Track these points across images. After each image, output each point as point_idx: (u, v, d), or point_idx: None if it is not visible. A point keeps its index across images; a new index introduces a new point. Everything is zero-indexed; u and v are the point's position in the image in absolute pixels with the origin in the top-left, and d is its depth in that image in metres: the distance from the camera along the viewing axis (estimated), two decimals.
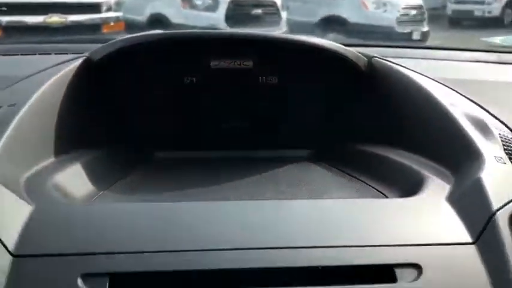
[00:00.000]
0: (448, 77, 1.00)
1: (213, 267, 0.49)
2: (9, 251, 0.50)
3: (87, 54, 0.82)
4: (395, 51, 1.29)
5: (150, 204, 0.61)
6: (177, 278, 0.49)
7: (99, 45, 0.84)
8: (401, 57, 1.19)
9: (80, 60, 0.80)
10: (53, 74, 0.77)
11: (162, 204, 0.61)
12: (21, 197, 0.56)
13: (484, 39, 1.50)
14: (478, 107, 0.81)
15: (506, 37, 1.48)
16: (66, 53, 1.11)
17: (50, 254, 0.50)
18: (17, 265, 0.49)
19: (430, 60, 1.23)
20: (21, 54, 1.14)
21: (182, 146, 0.87)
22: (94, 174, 0.72)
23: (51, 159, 0.71)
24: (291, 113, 0.90)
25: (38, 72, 0.83)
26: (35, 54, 1.14)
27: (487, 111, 0.81)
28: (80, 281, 0.48)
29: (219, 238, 0.52)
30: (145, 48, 0.82)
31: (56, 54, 1.11)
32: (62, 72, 0.77)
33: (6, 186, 0.56)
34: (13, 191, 0.56)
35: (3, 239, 0.50)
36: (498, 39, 1.47)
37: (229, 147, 0.86)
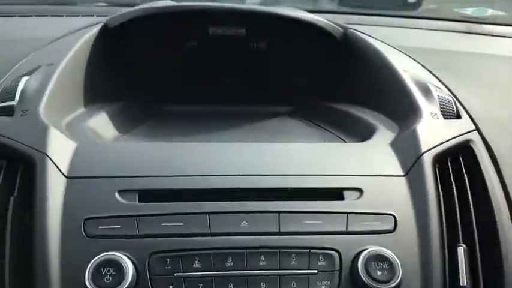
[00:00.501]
0: (416, 45, 1.18)
1: (213, 186, 0.68)
2: (63, 173, 0.69)
3: (104, 20, 0.98)
4: (373, 20, 1.45)
5: (163, 143, 0.80)
6: (186, 192, 0.68)
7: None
8: (377, 25, 1.36)
9: (99, 26, 0.97)
10: (78, 37, 0.94)
11: (173, 144, 0.80)
12: (66, 136, 0.74)
13: (457, 9, 1.66)
14: (428, 72, 1.00)
15: (477, 8, 1.61)
16: (78, 15, 1.27)
17: (93, 176, 0.69)
18: (69, 184, 0.68)
19: (403, 29, 1.40)
20: (36, 16, 1.29)
21: (186, 100, 1.04)
22: (117, 122, 0.90)
23: (82, 109, 0.89)
24: (276, 73, 1.07)
25: (64, 36, 1.00)
26: (47, 15, 1.29)
27: (435, 76, 0.99)
28: (117, 195, 0.67)
29: (216, 167, 0.71)
30: (157, 17, 0.98)
31: (67, 16, 1.27)
32: (85, 36, 0.94)
33: (54, 127, 0.74)
34: (60, 131, 0.74)
35: (58, 165, 0.69)
36: (469, 10, 1.62)
37: (225, 102, 1.03)
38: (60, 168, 0.69)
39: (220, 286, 0.61)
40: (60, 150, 0.71)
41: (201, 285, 0.61)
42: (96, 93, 0.93)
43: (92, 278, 0.59)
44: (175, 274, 0.61)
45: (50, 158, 0.69)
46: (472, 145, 0.79)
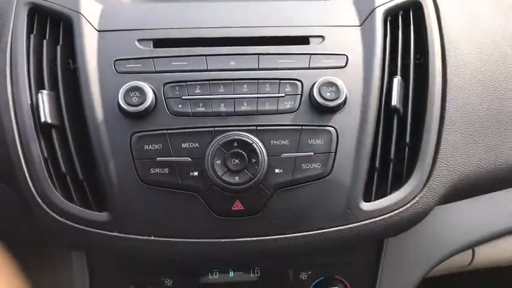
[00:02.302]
0: None
1: (209, 35, 0.90)
2: (95, 28, 0.90)
3: None
4: None
5: (172, 3, 1.00)
6: (189, 40, 0.90)
7: None
8: None
9: None
10: None
11: (179, 4, 0.99)
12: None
13: None
14: None
15: None
16: None
17: (118, 30, 0.90)
18: (100, 36, 0.89)
19: None
20: None
21: None
22: None
23: None
24: None
25: None
26: None
27: None
28: (137, 43, 0.89)
29: (212, 21, 0.92)
30: None
31: None
32: None
33: None
34: None
35: (90, 21, 0.90)
36: None
37: None
38: (92, 24, 0.90)
39: (214, 105, 0.85)
40: (91, 10, 0.92)
41: (201, 104, 0.85)
42: None
43: (124, 98, 0.83)
44: (183, 97, 0.85)
45: (84, 16, 0.90)
46: (422, 3, 0.97)
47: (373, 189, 0.88)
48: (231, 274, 1.01)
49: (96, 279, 0.99)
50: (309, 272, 1.01)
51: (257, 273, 1.01)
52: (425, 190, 0.89)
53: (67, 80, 0.88)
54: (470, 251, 1.14)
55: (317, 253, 0.96)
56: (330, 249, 0.95)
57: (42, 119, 0.84)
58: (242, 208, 0.83)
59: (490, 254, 1.14)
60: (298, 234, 0.85)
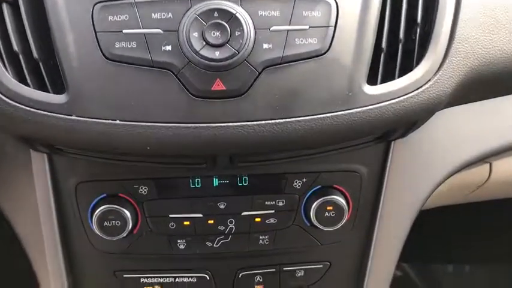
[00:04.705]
0: None
1: None
2: None
3: None
4: None
5: None
6: None
7: None
8: None
9: None
10: None
11: None
12: None
13: None
14: None
15: None
16: None
17: None
18: None
19: None
20: None
21: None
22: None
23: None
24: None
25: None
26: None
27: None
28: None
29: None
30: None
31: None
32: None
33: None
34: None
35: None
36: None
37: None
38: None
39: None
40: None
41: None
42: None
43: None
44: None
45: None
46: None
47: (379, 72, 0.75)
48: (215, 182, 0.89)
49: (60, 186, 0.88)
50: (304, 180, 0.89)
51: (245, 182, 0.89)
52: (439, 74, 0.76)
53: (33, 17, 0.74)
54: (487, 167, 1.02)
55: (314, 152, 0.84)
56: (328, 148, 0.83)
57: None
58: (223, 88, 0.70)
59: (509, 169, 1.03)
60: (289, 119, 0.72)
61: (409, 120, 0.80)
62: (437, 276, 2.01)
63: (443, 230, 1.90)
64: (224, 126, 0.71)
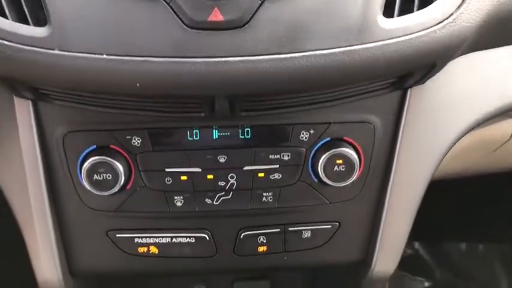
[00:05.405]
0: None
1: None
2: None
3: None
4: None
5: None
6: None
7: None
8: None
9: None
10: None
11: None
12: None
13: None
14: None
15: None
16: None
17: None
18: None
19: None
20: None
21: None
22: None
23: None
24: None
25: None
26: None
27: None
28: None
29: None
30: None
31: None
32: None
33: None
34: None
35: None
36: None
37: None
38: None
39: None
40: None
41: None
42: None
43: None
44: None
45: None
46: None
47: (397, 3, 0.67)
48: (215, 134, 0.81)
49: (46, 137, 0.81)
50: (312, 131, 0.81)
51: (247, 134, 0.82)
52: (463, 7, 0.68)
53: None
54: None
55: (323, 99, 0.76)
56: (339, 94, 0.75)
57: None
58: (221, 18, 0.62)
59: None
60: (296, 54, 0.64)
61: (428, 61, 0.72)
62: (450, 255, 1.94)
63: (456, 207, 1.83)
64: (222, 61, 0.63)
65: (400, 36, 0.66)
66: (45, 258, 0.89)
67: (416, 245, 1.96)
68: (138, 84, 0.65)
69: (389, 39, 0.65)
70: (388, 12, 0.67)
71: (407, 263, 1.85)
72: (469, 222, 1.86)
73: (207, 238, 0.88)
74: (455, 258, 1.94)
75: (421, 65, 0.73)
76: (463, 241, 1.93)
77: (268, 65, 0.64)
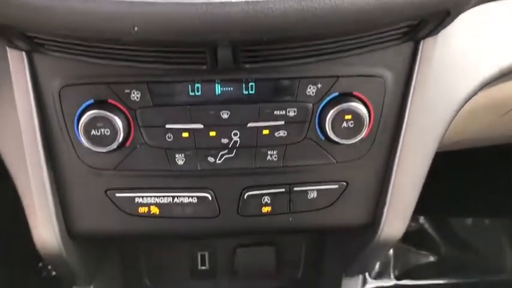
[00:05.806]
0: None
1: None
2: None
3: None
4: None
5: None
6: None
7: None
8: None
9: None
10: None
11: None
12: None
13: None
14: None
15: None
16: None
17: None
18: None
19: None
20: None
21: None
22: None
23: None
24: None
25: None
26: None
27: None
28: None
29: None
30: None
31: None
32: None
33: None
34: None
35: None
36: None
37: None
38: None
39: None
40: None
41: None
42: None
43: None
44: None
45: None
46: None
47: None
48: (218, 89, 0.78)
49: (42, 91, 0.77)
50: (319, 86, 0.77)
51: (251, 89, 0.78)
52: None
53: None
54: None
55: (331, 50, 0.72)
56: (349, 43, 0.71)
57: None
58: None
59: None
60: None
61: (442, 6, 0.67)
62: (455, 230, 1.92)
63: (462, 181, 1.80)
64: (224, 2, 0.60)
65: None
66: (42, 220, 0.86)
67: (422, 219, 1.93)
68: (135, 28, 0.61)
69: None
70: None
71: (413, 237, 1.84)
72: (475, 196, 1.83)
73: (210, 198, 0.85)
74: (461, 233, 1.92)
75: (435, 12, 0.69)
76: (469, 215, 1.91)
77: (273, 6, 0.60)
